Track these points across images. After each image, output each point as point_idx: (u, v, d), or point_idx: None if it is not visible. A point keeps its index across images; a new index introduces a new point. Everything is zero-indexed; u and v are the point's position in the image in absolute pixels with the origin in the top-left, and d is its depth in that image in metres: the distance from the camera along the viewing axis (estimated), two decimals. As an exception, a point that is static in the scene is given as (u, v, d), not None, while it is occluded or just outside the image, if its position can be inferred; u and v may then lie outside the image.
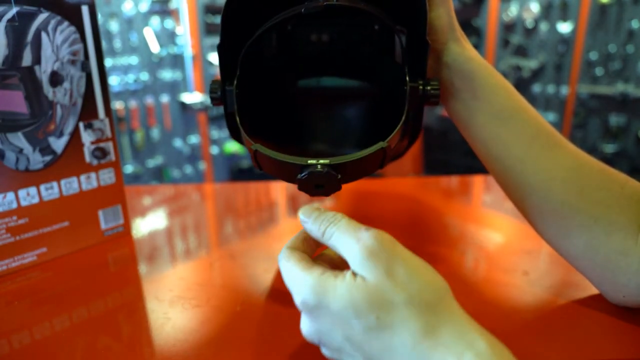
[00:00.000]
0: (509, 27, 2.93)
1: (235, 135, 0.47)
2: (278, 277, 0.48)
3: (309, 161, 0.35)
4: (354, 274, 0.28)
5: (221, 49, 0.42)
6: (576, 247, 0.40)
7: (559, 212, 0.40)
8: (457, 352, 0.25)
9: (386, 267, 0.28)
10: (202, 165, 3.02)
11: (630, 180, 0.40)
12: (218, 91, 0.42)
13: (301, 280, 0.29)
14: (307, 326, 0.30)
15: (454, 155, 3.14)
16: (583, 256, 0.40)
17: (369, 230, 0.29)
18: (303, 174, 0.35)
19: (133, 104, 2.59)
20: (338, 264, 0.34)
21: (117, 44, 2.46)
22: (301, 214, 0.33)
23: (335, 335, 0.28)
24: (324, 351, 0.31)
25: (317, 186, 0.35)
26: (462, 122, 0.43)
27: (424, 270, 0.29)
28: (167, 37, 2.66)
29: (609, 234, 0.38)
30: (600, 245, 0.38)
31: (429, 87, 0.40)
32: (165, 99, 2.72)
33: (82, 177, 0.52)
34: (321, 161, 0.35)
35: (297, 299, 0.30)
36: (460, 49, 0.42)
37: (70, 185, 0.52)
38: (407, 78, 0.40)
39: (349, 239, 0.29)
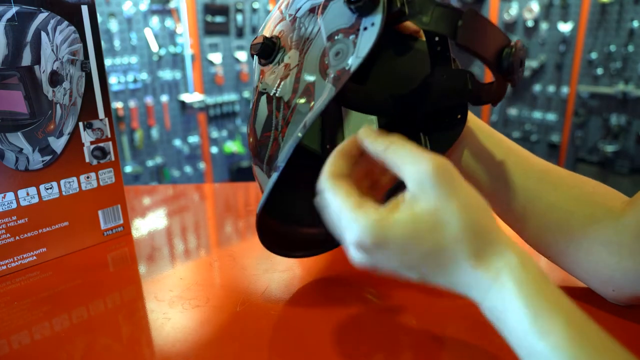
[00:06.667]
0: (509, 27, 2.93)
1: None
2: (278, 277, 0.48)
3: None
4: (411, 200, 0.28)
5: None
6: (559, 244, 0.41)
7: (537, 209, 0.41)
8: (496, 268, 0.27)
9: (449, 190, 0.27)
10: (202, 165, 3.02)
11: (601, 184, 0.41)
12: None
13: (354, 221, 0.28)
14: (360, 259, 0.29)
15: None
16: (566, 253, 0.41)
17: (432, 153, 0.28)
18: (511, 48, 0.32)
19: (133, 103, 2.59)
20: (376, 181, 0.34)
21: (117, 43, 2.46)
22: (361, 132, 0.32)
23: (392, 262, 0.29)
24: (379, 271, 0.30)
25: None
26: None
27: (477, 196, 0.29)
28: (167, 37, 2.66)
29: (587, 226, 0.39)
30: (580, 239, 0.39)
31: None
32: (164, 98, 2.72)
33: (82, 177, 0.52)
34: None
35: (350, 238, 0.28)
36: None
37: (70, 185, 0.52)
38: None
39: (414, 157, 0.28)
